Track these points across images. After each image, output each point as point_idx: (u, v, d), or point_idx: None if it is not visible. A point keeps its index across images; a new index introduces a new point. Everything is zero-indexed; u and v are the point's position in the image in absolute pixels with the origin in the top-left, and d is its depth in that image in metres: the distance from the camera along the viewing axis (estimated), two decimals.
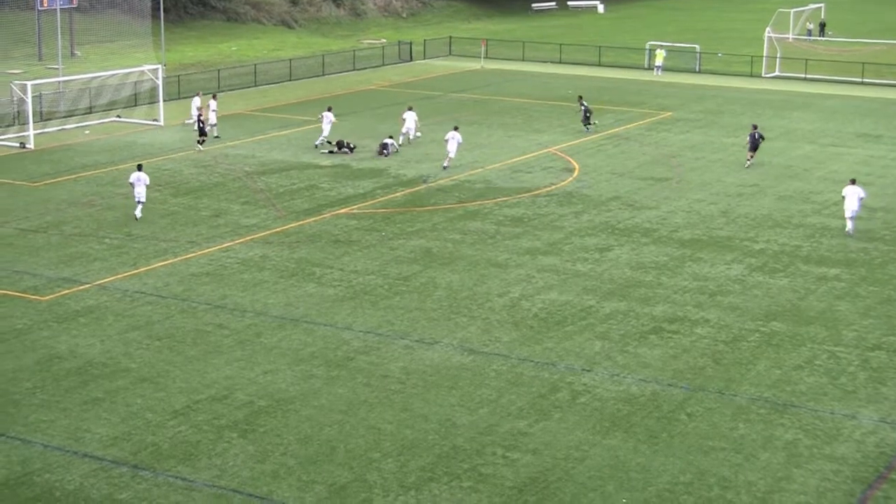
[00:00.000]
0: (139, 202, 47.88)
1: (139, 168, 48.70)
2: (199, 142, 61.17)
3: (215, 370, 32.78)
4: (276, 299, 38.61)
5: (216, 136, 63.74)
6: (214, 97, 66.22)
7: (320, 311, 37.54)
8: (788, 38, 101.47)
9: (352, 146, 60.98)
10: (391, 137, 61.16)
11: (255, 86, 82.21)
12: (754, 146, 59.14)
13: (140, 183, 47.76)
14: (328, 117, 62.36)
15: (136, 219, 47.64)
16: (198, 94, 67.16)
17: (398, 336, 35.53)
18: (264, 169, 57.15)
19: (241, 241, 45.22)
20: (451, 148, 57.10)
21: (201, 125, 61.01)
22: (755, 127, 60.61)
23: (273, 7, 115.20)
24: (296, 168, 57.48)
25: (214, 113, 64.38)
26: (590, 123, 67.45)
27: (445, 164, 57.45)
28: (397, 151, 60.44)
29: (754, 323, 37.21)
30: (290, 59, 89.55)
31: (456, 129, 58.57)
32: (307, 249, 44.23)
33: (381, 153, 59.93)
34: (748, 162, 59.26)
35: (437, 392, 31.56)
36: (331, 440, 28.69)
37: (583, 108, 67.60)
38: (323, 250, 44.14)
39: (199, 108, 62.63)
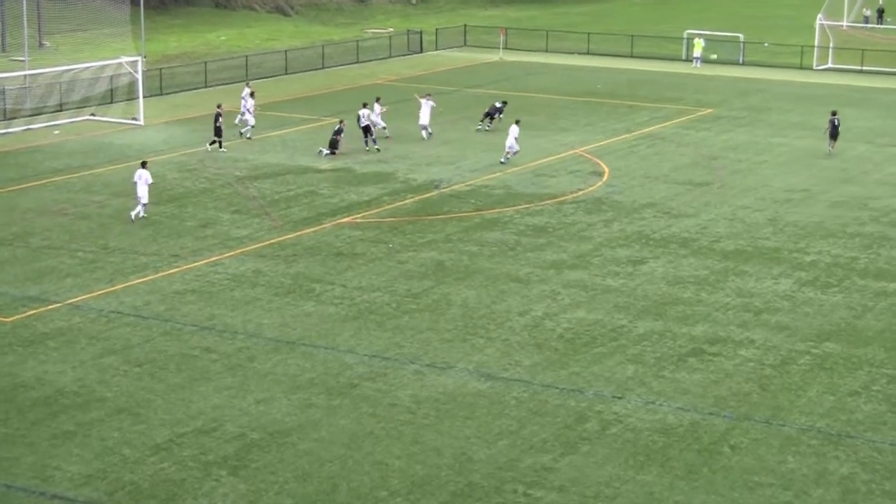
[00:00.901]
0: (142, 203, 48.92)
1: (143, 165, 49.40)
2: (212, 142, 61.00)
3: (202, 399, 32.77)
4: (270, 319, 38.62)
5: (242, 138, 63.82)
6: (252, 95, 66.09)
7: (320, 333, 37.55)
8: (842, 25, 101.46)
9: (339, 128, 60.77)
10: (365, 106, 61.71)
11: (247, 80, 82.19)
12: (834, 133, 61.37)
13: (141, 181, 48.64)
14: (377, 108, 63.37)
15: (132, 220, 48.45)
16: (246, 84, 67.58)
17: (407, 360, 35.53)
18: (257, 173, 57.22)
19: (231, 254, 45.27)
20: (510, 142, 59.05)
21: (218, 125, 60.66)
22: (834, 113, 61.77)
23: None
24: (292, 172, 57.55)
25: (250, 112, 64.43)
26: (487, 124, 67.33)
27: (503, 160, 59.34)
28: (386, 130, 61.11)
29: (805, 344, 37.15)
30: (286, 51, 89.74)
31: (517, 122, 59.94)
32: (305, 263, 44.27)
33: (366, 136, 61.15)
34: (829, 150, 61.99)
35: (451, 423, 31.54)
36: (332, 477, 28.67)
37: (500, 105, 67.99)
38: (323, 264, 44.18)
39: (220, 106, 62.19)
